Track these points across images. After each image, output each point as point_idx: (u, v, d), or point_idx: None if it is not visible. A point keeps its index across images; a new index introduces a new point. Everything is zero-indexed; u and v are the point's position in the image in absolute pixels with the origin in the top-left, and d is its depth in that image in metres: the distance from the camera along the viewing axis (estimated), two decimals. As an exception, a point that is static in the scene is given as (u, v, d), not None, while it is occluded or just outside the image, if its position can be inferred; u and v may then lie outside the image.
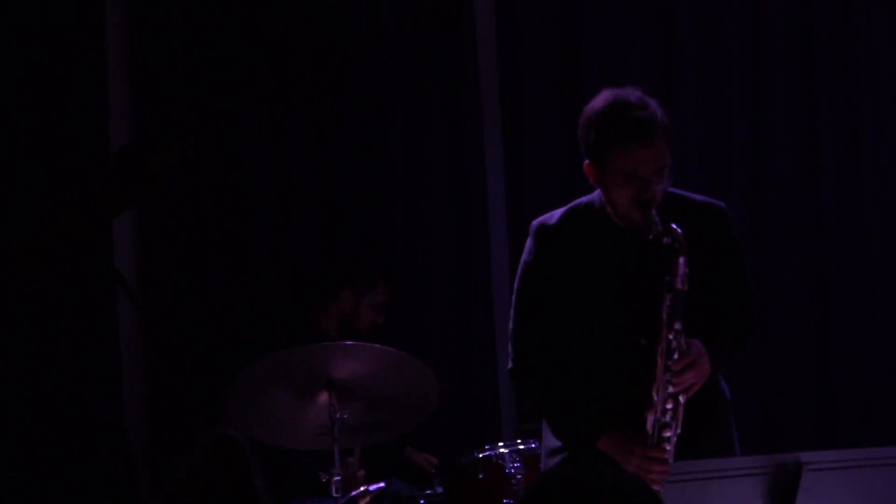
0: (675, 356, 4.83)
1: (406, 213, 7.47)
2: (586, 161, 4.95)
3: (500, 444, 6.22)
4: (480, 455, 6.14)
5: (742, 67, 7.33)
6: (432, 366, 5.95)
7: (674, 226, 4.79)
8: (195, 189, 7.42)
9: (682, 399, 4.91)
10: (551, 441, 5.19)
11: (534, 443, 6.15)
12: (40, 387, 7.15)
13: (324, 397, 5.84)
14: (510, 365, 5.20)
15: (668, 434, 4.91)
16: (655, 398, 4.90)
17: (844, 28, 7.23)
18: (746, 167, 7.30)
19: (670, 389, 4.88)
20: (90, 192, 6.99)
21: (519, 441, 6.20)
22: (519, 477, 6.09)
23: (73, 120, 7.27)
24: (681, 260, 4.78)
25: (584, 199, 5.13)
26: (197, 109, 7.44)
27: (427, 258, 7.43)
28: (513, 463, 6.07)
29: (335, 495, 5.79)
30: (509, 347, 5.20)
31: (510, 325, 5.19)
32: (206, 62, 7.43)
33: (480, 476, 6.08)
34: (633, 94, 4.92)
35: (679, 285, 4.80)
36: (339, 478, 5.79)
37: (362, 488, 5.84)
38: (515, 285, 5.19)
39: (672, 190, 5.01)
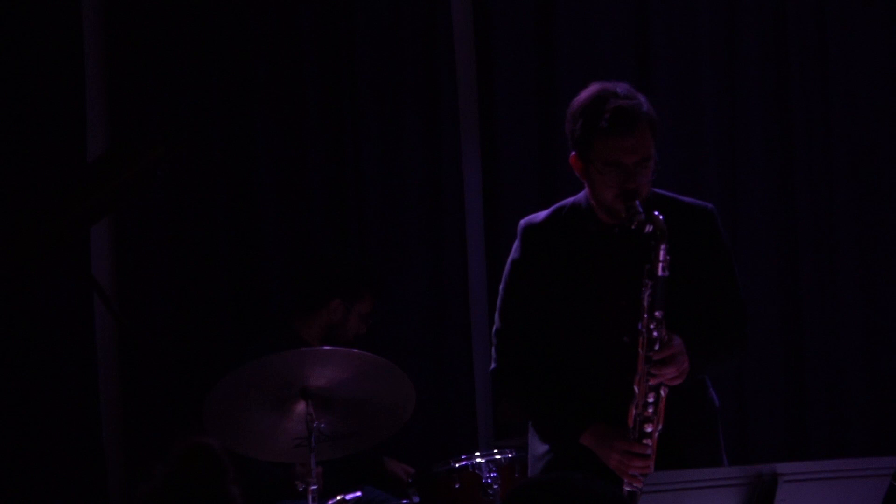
0: (657, 347, 4.85)
1: (383, 223, 7.46)
2: (572, 153, 5.01)
3: (477, 453, 6.23)
4: (457, 465, 6.14)
5: (715, 81, 7.34)
6: (409, 374, 5.94)
7: (656, 213, 4.82)
8: (173, 196, 7.39)
9: (663, 393, 4.92)
10: (538, 447, 5.20)
11: (510, 452, 6.16)
12: (14, 393, 7.13)
13: (301, 406, 5.83)
14: (493, 365, 5.20)
15: (649, 429, 4.94)
16: (637, 390, 4.92)
17: (817, 31, 7.25)
18: (719, 172, 7.31)
19: (651, 382, 4.90)
20: (66, 198, 6.99)
21: (495, 451, 6.20)
22: (496, 487, 6.09)
23: (48, 126, 7.24)
24: (662, 247, 4.82)
25: (570, 199, 5.17)
26: (175, 116, 7.42)
27: (403, 268, 7.43)
28: (489, 473, 6.07)
29: (311, 503, 5.79)
30: (493, 347, 5.20)
31: (495, 325, 5.19)
32: (180, 70, 7.41)
33: (457, 486, 6.09)
34: (620, 86, 4.99)
35: (660, 272, 4.83)
36: (315, 486, 5.79)
37: (339, 497, 5.85)
38: (502, 284, 5.22)
39: (659, 191, 5.03)
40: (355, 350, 6.01)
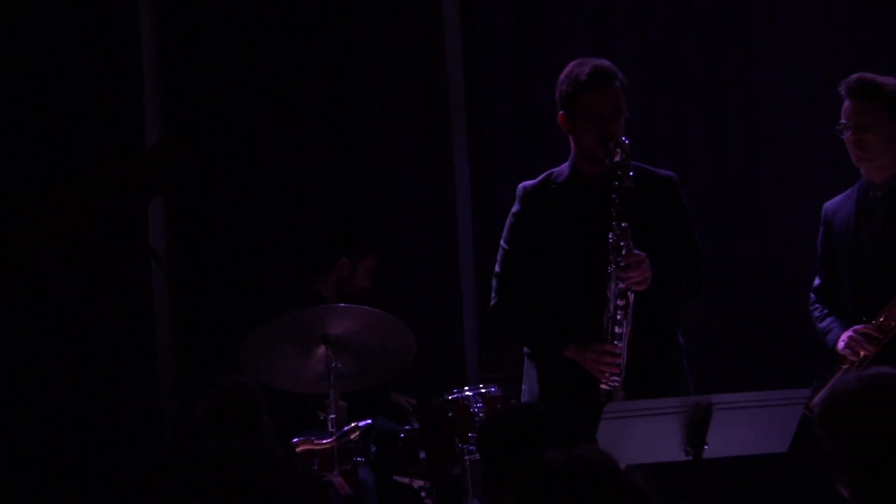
0: (623, 252, 4.84)
1: (386, 197, 7.45)
2: (560, 112, 5.08)
3: (466, 388, 6.19)
4: (450, 397, 6.11)
5: (665, 93, 7.28)
6: (410, 325, 5.98)
7: (623, 138, 4.94)
8: (215, 178, 7.40)
9: (631, 297, 4.89)
10: (532, 391, 5.18)
11: (493, 387, 6.13)
12: (89, 341, 7.12)
13: (321, 350, 5.84)
14: (493, 301, 5.20)
15: (619, 330, 4.93)
16: (609, 295, 4.90)
17: (749, 60, 7.20)
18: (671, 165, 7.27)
19: (620, 285, 4.88)
20: (129, 181, 6.98)
21: (481, 386, 6.18)
22: (482, 415, 6.06)
23: (113, 124, 7.24)
24: (629, 164, 4.92)
25: (557, 167, 5.21)
26: (216, 112, 7.41)
27: (403, 240, 7.41)
28: (476, 403, 6.04)
29: (331, 430, 5.77)
30: (493, 288, 5.20)
31: (496, 269, 5.20)
32: (219, 74, 7.39)
33: (450, 414, 6.05)
34: (599, 58, 5.14)
35: (627, 183, 4.88)
36: (333, 416, 5.78)
37: (353, 424, 5.82)
38: (503, 236, 5.24)
39: (634, 162, 5.03)
40: (366, 307, 6.02)
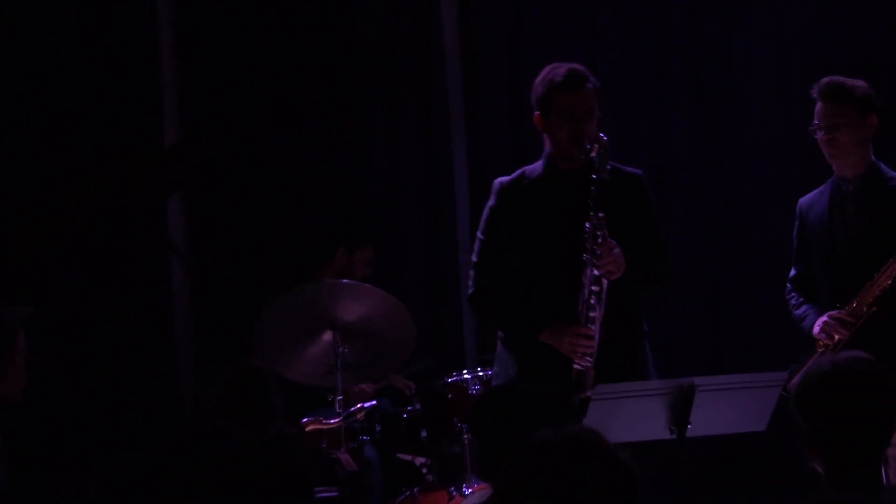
0: (599, 241, 4.85)
1: (386, 194, 7.46)
2: (536, 113, 5.11)
3: (465, 371, 6.20)
4: (449, 380, 6.12)
5: (650, 94, 7.28)
6: (413, 314, 5.95)
7: (602, 135, 4.96)
8: (228, 179, 7.41)
9: (605, 284, 4.90)
10: (507, 373, 5.18)
11: (490, 370, 6.14)
12: (112, 326, 7.12)
13: (328, 335, 5.83)
14: (470, 290, 5.20)
15: (593, 314, 4.93)
16: (584, 281, 4.91)
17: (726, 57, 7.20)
18: (652, 164, 7.27)
19: (596, 272, 4.89)
20: (149, 179, 6.98)
21: (479, 369, 6.18)
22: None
23: (134, 126, 7.24)
24: (607, 158, 4.94)
25: (532, 164, 5.24)
26: (228, 115, 7.41)
27: (404, 235, 7.41)
28: (474, 386, 6.05)
29: (338, 411, 5.78)
30: (470, 278, 5.20)
31: (474, 258, 5.21)
32: (230, 79, 7.40)
33: (449, 396, 6.06)
34: (573, 63, 5.15)
35: (605, 176, 4.90)
36: (341, 397, 5.78)
37: (359, 405, 5.82)
38: (480, 227, 5.24)
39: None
40: (369, 285, 6.02)
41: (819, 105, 5.32)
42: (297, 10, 7.50)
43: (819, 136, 5.32)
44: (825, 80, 5.35)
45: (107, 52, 7.23)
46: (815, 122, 5.32)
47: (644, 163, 7.14)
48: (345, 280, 6.17)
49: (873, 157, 5.35)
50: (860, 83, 5.33)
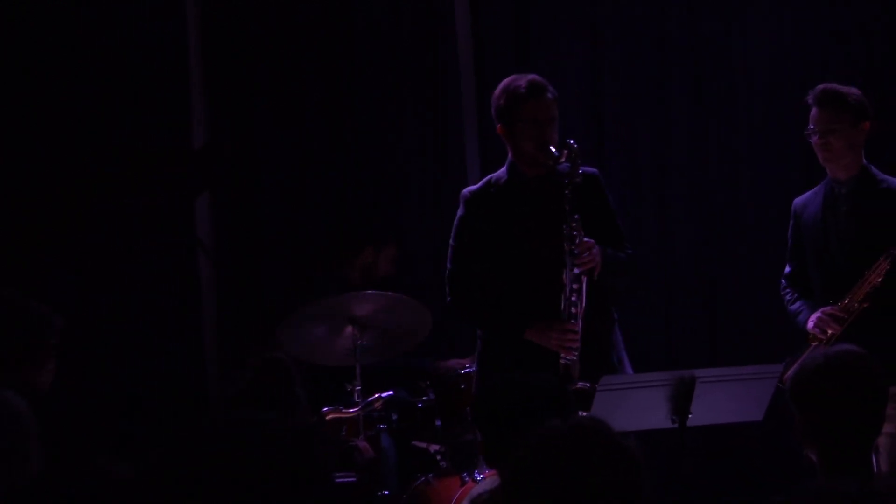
0: (577, 241, 4.87)
1: (401, 190, 7.45)
2: (498, 125, 5.13)
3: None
4: (462, 371, 6.11)
5: (651, 95, 7.26)
6: (428, 308, 5.99)
7: (570, 141, 4.96)
8: (255, 178, 7.40)
9: (584, 281, 4.92)
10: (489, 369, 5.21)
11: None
12: (143, 318, 7.13)
13: (348, 329, 5.85)
14: (448, 298, 5.22)
15: (575, 310, 4.95)
16: (565, 280, 4.92)
17: (727, 56, 7.17)
18: (652, 164, 7.25)
19: (575, 270, 4.91)
20: (178, 179, 7.01)
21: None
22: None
23: (164, 128, 7.24)
24: (578, 163, 4.93)
25: (496, 172, 5.26)
26: (256, 116, 7.41)
27: (421, 233, 7.39)
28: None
29: (357, 400, 5.79)
30: (447, 287, 5.22)
31: (448, 269, 5.22)
32: (260, 82, 7.40)
33: (462, 386, 6.06)
34: (530, 74, 5.17)
35: (577, 180, 4.92)
36: (359, 387, 5.79)
37: (376, 395, 5.84)
38: (451, 238, 5.26)
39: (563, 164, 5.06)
40: (388, 292, 6.04)
41: (814, 111, 5.33)
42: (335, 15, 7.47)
43: (814, 140, 5.33)
44: (820, 86, 5.36)
45: (136, 53, 7.20)
46: (811, 126, 5.33)
47: (644, 163, 7.21)
48: (367, 292, 6.16)
49: (865, 161, 5.36)
50: (854, 90, 5.34)
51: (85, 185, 6.95)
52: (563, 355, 4.95)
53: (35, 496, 2.58)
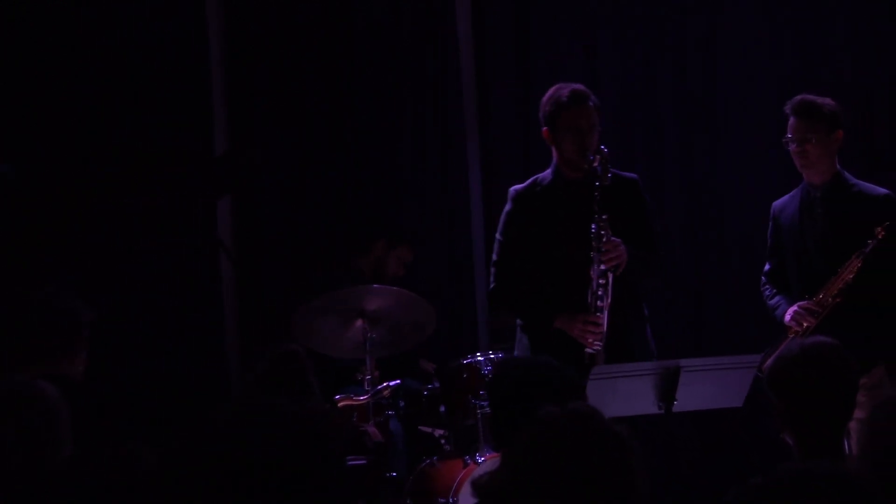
0: (604, 240, 4.86)
1: (407, 190, 7.43)
2: (544, 128, 5.16)
3: (478, 353, 6.20)
4: (465, 361, 6.12)
5: (642, 108, 7.24)
6: (433, 303, 5.98)
7: (602, 147, 4.99)
8: (273, 182, 7.40)
9: (610, 277, 4.92)
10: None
11: (500, 353, 6.14)
12: (168, 313, 7.13)
13: (359, 322, 5.84)
14: (492, 285, 5.24)
15: (600, 304, 4.95)
16: (592, 275, 4.92)
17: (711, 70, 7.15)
18: (647, 165, 7.23)
19: (602, 267, 4.92)
20: (201, 183, 7.00)
21: (490, 352, 6.18)
22: (490, 377, 6.06)
23: (187, 137, 7.23)
24: (608, 167, 4.96)
25: (542, 173, 5.27)
26: (269, 119, 7.40)
27: (427, 234, 7.36)
28: (486, 366, 6.05)
29: (367, 388, 5.78)
30: (492, 275, 5.24)
31: (494, 258, 5.25)
32: (272, 91, 7.39)
33: (465, 376, 6.06)
34: (575, 84, 5.20)
35: (606, 183, 4.93)
36: (369, 377, 5.79)
37: (385, 384, 5.83)
38: (498, 231, 5.28)
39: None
40: (395, 287, 6.03)
41: (791, 120, 5.34)
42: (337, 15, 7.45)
43: (791, 147, 5.33)
44: (797, 97, 5.36)
45: (157, 57, 7.18)
46: (788, 135, 5.34)
47: (637, 167, 7.18)
48: (375, 285, 6.15)
49: (839, 167, 5.37)
50: (828, 101, 5.34)
51: (114, 187, 6.95)
52: (587, 345, 4.97)
53: (67, 478, 2.58)
